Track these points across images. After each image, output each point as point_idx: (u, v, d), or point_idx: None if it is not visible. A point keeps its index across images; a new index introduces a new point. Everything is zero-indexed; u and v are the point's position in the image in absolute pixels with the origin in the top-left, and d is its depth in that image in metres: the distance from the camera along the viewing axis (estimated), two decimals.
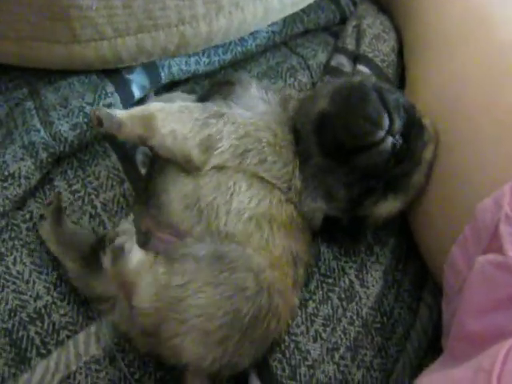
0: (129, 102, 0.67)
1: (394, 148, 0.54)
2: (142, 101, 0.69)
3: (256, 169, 0.58)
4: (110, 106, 0.66)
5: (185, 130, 0.57)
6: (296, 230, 0.60)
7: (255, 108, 0.62)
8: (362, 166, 0.56)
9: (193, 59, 0.72)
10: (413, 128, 0.56)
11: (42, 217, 0.61)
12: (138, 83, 0.68)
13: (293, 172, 0.59)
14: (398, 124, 0.54)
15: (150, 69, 0.69)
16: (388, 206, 0.60)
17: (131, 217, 0.59)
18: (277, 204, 0.59)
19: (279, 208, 0.59)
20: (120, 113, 0.57)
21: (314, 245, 0.64)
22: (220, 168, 0.58)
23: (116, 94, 0.66)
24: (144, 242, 0.58)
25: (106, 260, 0.54)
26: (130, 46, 0.66)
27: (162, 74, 0.70)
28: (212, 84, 0.70)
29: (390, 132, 0.54)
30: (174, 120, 0.57)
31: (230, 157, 0.58)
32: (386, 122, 0.54)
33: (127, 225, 0.57)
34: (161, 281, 0.52)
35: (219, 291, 0.52)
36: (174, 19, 0.65)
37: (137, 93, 0.68)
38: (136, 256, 0.53)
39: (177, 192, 0.58)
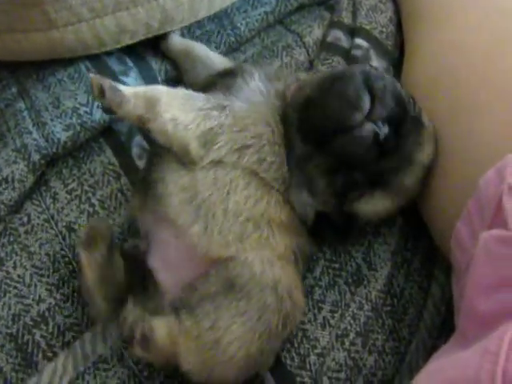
0: None
1: (377, 138, 0.50)
2: None
3: (254, 167, 0.55)
4: None
5: (187, 118, 0.54)
6: (297, 227, 0.57)
7: (252, 100, 0.58)
8: (340, 152, 0.52)
9: None
10: (405, 122, 0.52)
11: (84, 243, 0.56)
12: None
13: (288, 171, 0.56)
14: (379, 110, 0.50)
15: (147, 72, 0.68)
16: (376, 205, 0.56)
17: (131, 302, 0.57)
18: (275, 205, 0.56)
19: (277, 209, 0.56)
20: (124, 88, 0.53)
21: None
22: (217, 163, 0.55)
23: None
24: (144, 251, 0.58)
25: (140, 351, 0.52)
26: (109, 26, 0.64)
27: (159, 78, 0.68)
28: (215, 74, 0.65)
29: (369, 117, 0.50)
30: (177, 106, 0.54)
31: (228, 152, 0.55)
32: (365, 105, 0.50)
33: (130, 307, 0.55)
34: (193, 333, 0.51)
35: (247, 318, 0.52)
36: None
37: None
38: (161, 332, 0.51)
39: (174, 183, 0.55)
